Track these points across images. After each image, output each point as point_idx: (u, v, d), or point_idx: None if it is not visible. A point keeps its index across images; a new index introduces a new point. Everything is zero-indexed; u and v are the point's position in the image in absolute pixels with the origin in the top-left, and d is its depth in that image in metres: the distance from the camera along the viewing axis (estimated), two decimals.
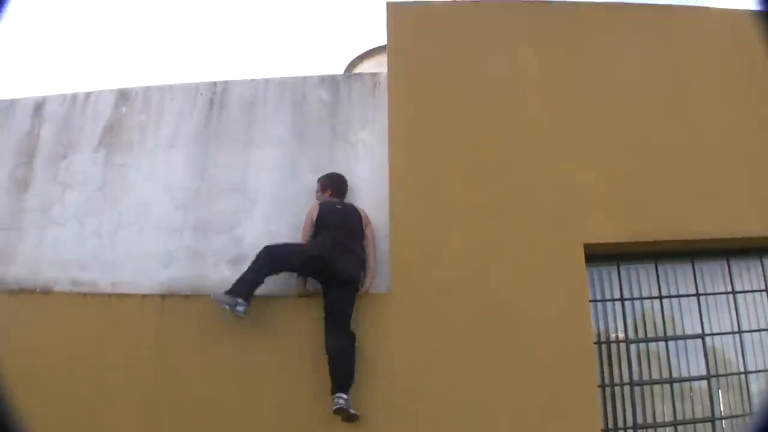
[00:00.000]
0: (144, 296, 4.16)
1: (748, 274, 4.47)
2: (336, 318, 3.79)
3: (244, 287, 3.76)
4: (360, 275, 3.88)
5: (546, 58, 4.45)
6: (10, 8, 1.09)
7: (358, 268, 3.87)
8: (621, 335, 4.24)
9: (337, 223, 3.89)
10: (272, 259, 3.80)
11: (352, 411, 3.64)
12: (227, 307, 3.75)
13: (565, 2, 4.63)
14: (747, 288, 4.44)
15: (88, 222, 4.35)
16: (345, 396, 3.64)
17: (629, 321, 4.26)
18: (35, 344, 4.06)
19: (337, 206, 4.01)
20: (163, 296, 4.14)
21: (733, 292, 4.40)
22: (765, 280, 4.46)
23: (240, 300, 3.72)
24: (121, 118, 4.49)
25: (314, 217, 3.94)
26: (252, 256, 3.94)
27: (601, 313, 4.23)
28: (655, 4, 4.55)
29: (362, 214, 4.02)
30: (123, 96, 4.55)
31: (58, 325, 4.18)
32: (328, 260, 3.78)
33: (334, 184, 4.09)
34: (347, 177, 4.13)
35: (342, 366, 3.72)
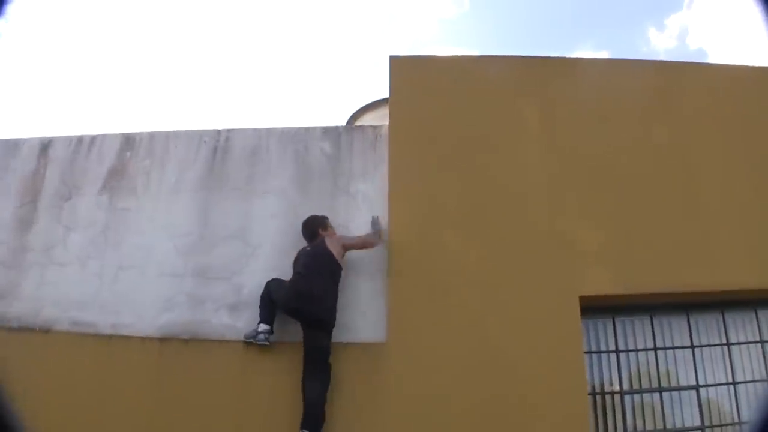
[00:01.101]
0: (143, 339, 4.20)
1: (742, 325, 4.51)
2: (309, 357, 3.93)
3: (260, 314, 4.03)
4: (326, 317, 3.96)
5: (546, 112, 4.54)
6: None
7: (324, 310, 3.96)
8: (616, 387, 4.26)
9: (301, 268, 4.05)
10: (268, 290, 4.06)
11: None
12: (252, 339, 4.00)
13: (565, 58, 4.72)
14: (741, 340, 4.47)
15: (89, 264, 4.40)
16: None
17: (624, 373, 4.29)
18: (33, 381, 4.07)
19: (307, 249, 4.16)
20: (161, 340, 4.18)
21: (728, 344, 4.43)
22: (759, 332, 4.50)
23: (261, 326, 3.98)
24: (125, 162, 4.57)
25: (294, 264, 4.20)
26: (252, 304, 4.06)
27: (596, 364, 4.26)
28: (654, 60, 4.62)
29: (333, 250, 4.07)
30: (128, 141, 4.63)
31: (57, 363, 4.21)
32: (290, 308, 3.98)
33: (302, 232, 4.24)
34: (349, 227, 4.19)
35: (310, 408, 3.83)
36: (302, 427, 3.78)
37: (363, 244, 4.15)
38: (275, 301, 4.03)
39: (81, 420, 4.00)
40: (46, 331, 4.34)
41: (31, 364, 4.20)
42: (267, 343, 4.00)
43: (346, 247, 4.14)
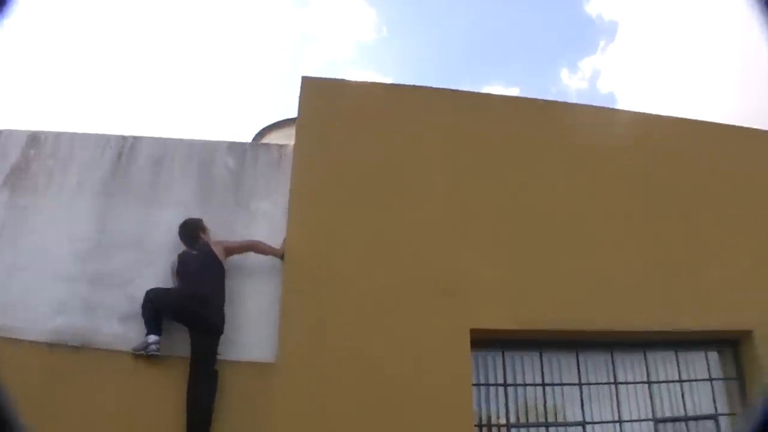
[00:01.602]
0: (32, 343, 4.09)
1: (631, 365, 4.66)
2: (197, 364, 3.91)
3: (146, 323, 3.98)
4: (217, 321, 3.98)
5: (452, 144, 4.62)
6: None
7: (214, 314, 3.98)
8: (503, 420, 4.34)
9: (189, 271, 4.06)
10: (150, 300, 4.00)
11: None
12: (143, 352, 3.94)
13: (475, 92, 4.82)
14: (630, 379, 4.63)
15: None
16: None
17: (512, 406, 4.37)
18: None
19: (191, 252, 4.15)
20: (51, 345, 4.08)
21: (616, 383, 4.58)
22: (647, 372, 4.66)
23: (150, 337, 3.92)
24: (29, 160, 4.46)
25: (174, 269, 4.17)
26: None
27: (484, 397, 4.33)
28: (560, 101, 4.78)
29: (218, 250, 4.11)
30: (34, 139, 4.52)
31: None
32: (181, 314, 3.99)
33: (180, 235, 4.23)
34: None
35: (196, 417, 3.82)
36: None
37: (248, 247, 4.17)
38: (160, 309, 3.99)
39: None
40: None
41: None
42: (158, 353, 3.96)
43: (229, 250, 4.15)
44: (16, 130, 4.56)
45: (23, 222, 4.31)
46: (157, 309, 3.99)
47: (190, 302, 3.96)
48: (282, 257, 4.17)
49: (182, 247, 4.17)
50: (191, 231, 4.17)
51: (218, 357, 3.96)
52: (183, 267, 4.10)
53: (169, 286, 4.13)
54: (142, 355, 3.96)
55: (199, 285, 3.97)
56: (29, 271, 4.21)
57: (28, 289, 4.18)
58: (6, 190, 4.38)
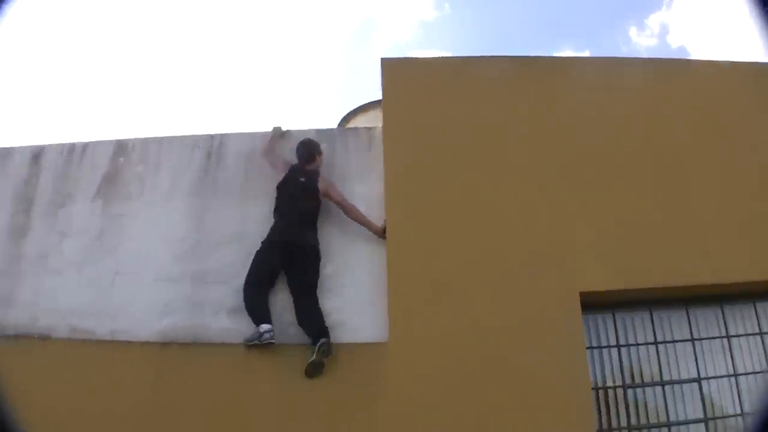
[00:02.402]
0: (143, 344, 4.18)
1: (741, 318, 4.52)
2: (310, 289, 4.05)
3: (253, 316, 4.02)
4: (315, 245, 4.14)
5: (538, 110, 4.53)
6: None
7: (307, 236, 4.13)
8: (618, 381, 4.26)
9: (287, 202, 4.21)
10: (247, 283, 4.07)
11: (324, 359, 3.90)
12: (257, 341, 3.95)
13: (556, 57, 4.72)
14: (741, 332, 4.49)
15: (85, 270, 4.37)
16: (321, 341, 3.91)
17: (626, 367, 4.29)
18: (32, 390, 4.04)
19: (301, 180, 4.28)
20: (161, 344, 4.16)
21: (728, 336, 4.45)
22: (758, 324, 4.51)
23: (263, 326, 3.94)
24: (118, 168, 4.54)
25: (279, 178, 4.30)
26: None
27: (597, 360, 4.26)
28: (644, 58, 4.63)
29: (322, 186, 4.25)
30: (121, 147, 4.60)
31: (56, 371, 4.18)
32: (284, 250, 4.09)
33: (297, 150, 4.40)
34: (345, 228, 4.18)
35: (312, 324, 3.97)
36: (314, 341, 3.87)
37: (349, 207, 4.24)
38: (257, 275, 4.08)
39: (82, 427, 3.98)
40: (44, 338, 4.30)
41: (29, 371, 4.16)
42: (273, 341, 3.96)
43: (331, 192, 4.27)
44: (103, 141, 4.64)
45: (120, 229, 4.39)
46: (255, 287, 4.04)
47: (291, 233, 4.08)
48: (383, 235, 4.15)
49: None
50: (311, 149, 4.36)
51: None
52: (281, 197, 4.22)
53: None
54: (256, 344, 3.96)
55: (296, 215, 4.13)
56: (131, 276, 4.29)
57: (133, 293, 4.27)
58: (99, 200, 4.48)
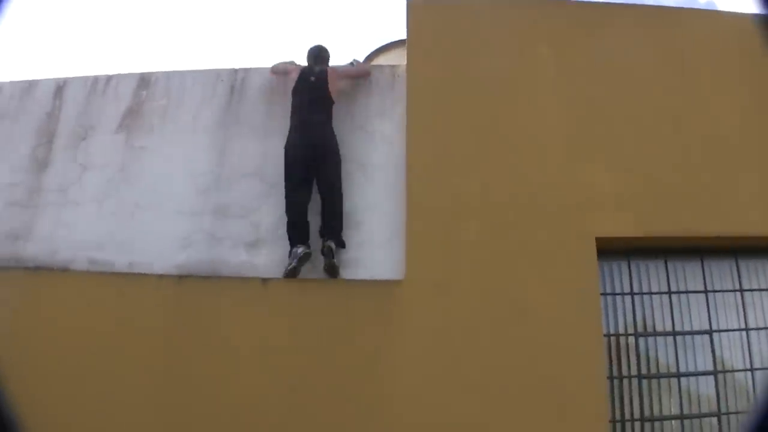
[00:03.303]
0: (160, 276, 4.22)
1: (755, 272, 4.52)
2: (326, 196, 4.13)
3: (291, 242, 4.04)
4: (333, 142, 4.23)
5: (561, 55, 4.50)
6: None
7: (328, 136, 4.23)
8: (630, 329, 4.29)
9: (303, 103, 4.29)
10: (286, 208, 4.11)
11: (335, 261, 4.01)
12: (294, 262, 3.95)
13: (583, 2, 4.68)
14: (755, 286, 4.49)
15: (106, 203, 4.41)
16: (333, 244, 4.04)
17: (638, 315, 4.31)
18: (51, 321, 4.13)
19: (311, 79, 4.40)
20: (179, 277, 4.20)
21: (741, 290, 4.45)
22: None
23: (296, 249, 3.98)
24: (141, 102, 4.55)
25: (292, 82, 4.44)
26: (270, 241, 4.08)
27: (611, 306, 4.28)
28: (668, 6, 4.59)
29: (331, 87, 4.34)
30: (144, 80, 4.60)
31: (74, 302, 4.23)
32: (307, 155, 4.16)
33: (309, 52, 4.64)
34: (365, 165, 4.20)
35: (327, 227, 4.07)
36: (327, 240, 3.99)
37: (357, 73, 4.55)
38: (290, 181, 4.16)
39: (99, 357, 4.04)
40: (63, 270, 4.35)
41: (48, 303, 4.24)
42: (309, 251, 4.02)
43: (342, 76, 4.48)
44: (126, 74, 4.65)
45: (142, 162, 4.42)
46: (296, 205, 4.11)
47: (313, 136, 4.18)
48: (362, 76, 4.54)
49: None
50: (320, 50, 4.58)
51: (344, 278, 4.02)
52: (295, 101, 4.32)
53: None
54: (294, 267, 3.97)
55: (314, 117, 4.22)
56: (152, 209, 4.33)
57: (153, 226, 4.30)
58: (122, 133, 4.50)
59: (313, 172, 4.18)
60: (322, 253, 3.98)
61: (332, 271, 4.02)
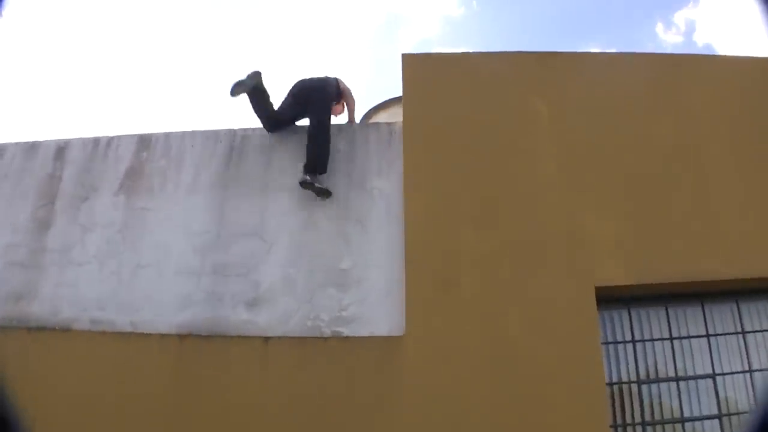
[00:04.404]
0: (162, 336, 4.24)
1: (757, 314, 4.52)
2: (310, 131, 4.58)
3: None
4: (316, 84, 4.83)
5: (556, 106, 4.56)
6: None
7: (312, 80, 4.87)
8: (633, 377, 4.28)
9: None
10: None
11: (317, 185, 4.39)
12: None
13: (574, 53, 4.75)
14: (757, 328, 4.49)
15: (107, 263, 4.45)
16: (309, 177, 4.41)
17: (640, 362, 4.31)
18: (53, 381, 4.14)
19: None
20: (181, 336, 4.22)
21: (743, 332, 4.45)
22: None
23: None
24: (141, 163, 4.62)
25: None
26: (270, 299, 4.11)
27: (612, 355, 4.28)
28: (662, 53, 4.66)
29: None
30: (144, 141, 4.68)
31: (77, 362, 4.26)
32: (298, 98, 4.77)
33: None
34: (364, 222, 4.25)
35: (313, 148, 4.50)
36: (304, 171, 4.39)
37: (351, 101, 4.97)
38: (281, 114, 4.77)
39: (101, 417, 4.05)
40: (65, 330, 4.37)
41: (50, 362, 4.26)
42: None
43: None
44: (126, 135, 4.72)
45: (142, 222, 4.47)
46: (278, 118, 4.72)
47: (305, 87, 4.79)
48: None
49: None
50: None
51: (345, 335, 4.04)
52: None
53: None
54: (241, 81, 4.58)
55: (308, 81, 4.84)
56: (153, 269, 4.36)
57: (154, 286, 4.33)
58: (123, 194, 4.55)
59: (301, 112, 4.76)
60: (302, 186, 4.40)
61: (320, 194, 4.41)
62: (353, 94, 5.03)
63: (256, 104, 4.69)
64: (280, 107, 4.77)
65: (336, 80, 4.96)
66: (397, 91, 4.68)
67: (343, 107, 5.00)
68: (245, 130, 4.65)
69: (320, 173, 4.39)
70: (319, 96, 4.70)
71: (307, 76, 4.95)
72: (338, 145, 4.53)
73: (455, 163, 4.36)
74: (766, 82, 4.83)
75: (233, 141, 4.60)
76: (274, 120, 4.74)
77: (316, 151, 4.42)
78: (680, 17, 32.14)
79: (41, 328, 4.39)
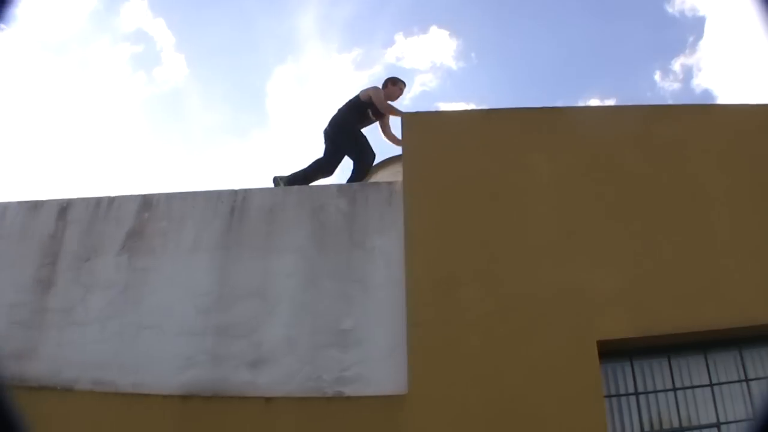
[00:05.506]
0: (164, 397, 4.23)
1: (760, 360, 4.52)
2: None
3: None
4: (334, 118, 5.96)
5: (555, 161, 4.63)
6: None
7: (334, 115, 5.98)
8: (637, 430, 4.26)
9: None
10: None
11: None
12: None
13: (571, 107, 4.83)
14: (760, 375, 4.48)
15: (109, 324, 4.45)
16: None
17: (644, 415, 4.28)
18: None
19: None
20: (183, 398, 4.21)
21: (747, 380, 4.44)
22: None
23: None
24: (144, 223, 4.65)
25: None
26: (272, 360, 4.11)
27: (616, 408, 4.26)
28: (659, 105, 4.74)
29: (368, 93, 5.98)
30: (146, 202, 4.72)
31: (78, 423, 4.23)
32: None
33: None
34: (365, 282, 4.27)
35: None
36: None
37: (390, 111, 5.94)
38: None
39: None
40: (67, 390, 4.36)
41: (52, 423, 4.21)
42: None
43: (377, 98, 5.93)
44: (129, 195, 4.77)
45: (144, 283, 4.48)
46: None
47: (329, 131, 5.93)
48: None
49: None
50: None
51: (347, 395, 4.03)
52: None
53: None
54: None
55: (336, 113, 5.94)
56: (155, 330, 4.36)
57: (155, 347, 4.33)
58: (125, 254, 4.58)
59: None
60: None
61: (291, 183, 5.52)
62: (384, 96, 5.91)
63: (305, 178, 5.72)
64: (324, 155, 5.88)
65: (356, 98, 5.93)
66: (398, 149, 4.75)
67: (385, 114, 5.95)
68: (247, 190, 4.69)
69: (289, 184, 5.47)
70: (333, 130, 5.85)
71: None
72: (339, 205, 4.57)
73: (455, 221, 4.39)
74: (762, 128, 4.90)
75: (235, 201, 4.64)
76: (326, 168, 5.86)
77: (305, 169, 5.71)
78: (678, 64, 32.90)
79: (43, 388, 4.36)
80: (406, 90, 6.12)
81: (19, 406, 1.23)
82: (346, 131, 5.84)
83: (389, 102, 5.94)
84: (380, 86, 6.04)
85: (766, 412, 1.07)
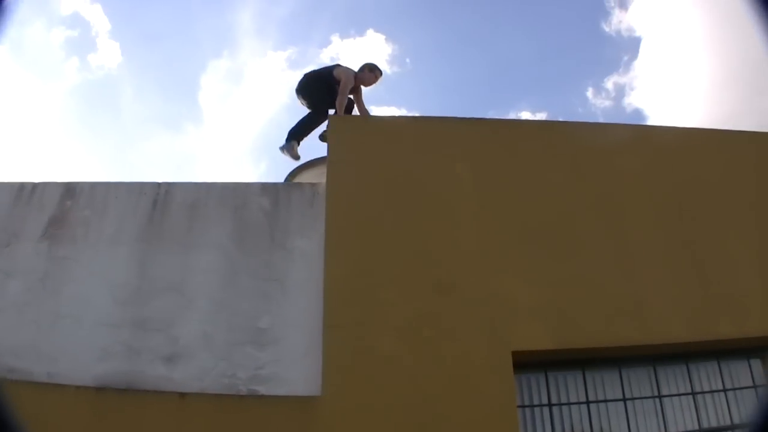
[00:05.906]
0: (78, 388, 4.16)
1: (674, 378, 4.63)
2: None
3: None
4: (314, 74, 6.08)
5: (480, 171, 4.67)
6: None
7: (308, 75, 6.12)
8: None
9: None
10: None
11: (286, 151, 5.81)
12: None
13: (500, 119, 4.88)
14: (674, 392, 4.59)
15: (26, 311, 4.35)
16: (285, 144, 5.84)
17: (557, 426, 4.35)
18: None
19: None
20: (97, 389, 4.14)
21: (660, 396, 4.54)
22: (690, 384, 4.62)
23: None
24: (66, 211, 4.56)
25: None
26: (187, 355, 4.06)
27: (529, 419, 4.32)
28: (586, 122, 4.82)
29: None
30: (69, 190, 4.63)
31: None
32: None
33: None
34: (284, 282, 4.24)
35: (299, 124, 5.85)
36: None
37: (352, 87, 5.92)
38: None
39: None
40: None
41: None
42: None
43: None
44: (52, 182, 4.67)
45: (64, 272, 4.39)
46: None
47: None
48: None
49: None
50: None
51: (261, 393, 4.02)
52: None
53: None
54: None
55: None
56: (72, 319, 4.28)
57: (72, 336, 4.25)
58: (45, 242, 4.48)
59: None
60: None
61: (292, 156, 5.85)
62: (357, 79, 5.96)
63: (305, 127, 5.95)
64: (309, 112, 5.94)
65: (330, 74, 5.95)
66: (323, 150, 4.74)
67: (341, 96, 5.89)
68: (170, 184, 4.63)
69: (290, 140, 5.73)
70: (316, 86, 5.97)
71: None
72: (261, 203, 4.54)
73: (377, 225, 4.40)
74: (688, 150, 5.02)
75: (158, 194, 4.57)
76: (316, 117, 5.87)
77: (295, 126, 5.80)
78: (611, 82, 33.76)
79: None
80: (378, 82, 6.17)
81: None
82: (317, 88, 5.94)
83: (350, 95, 6.00)
84: (357, 69, 6.10)
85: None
